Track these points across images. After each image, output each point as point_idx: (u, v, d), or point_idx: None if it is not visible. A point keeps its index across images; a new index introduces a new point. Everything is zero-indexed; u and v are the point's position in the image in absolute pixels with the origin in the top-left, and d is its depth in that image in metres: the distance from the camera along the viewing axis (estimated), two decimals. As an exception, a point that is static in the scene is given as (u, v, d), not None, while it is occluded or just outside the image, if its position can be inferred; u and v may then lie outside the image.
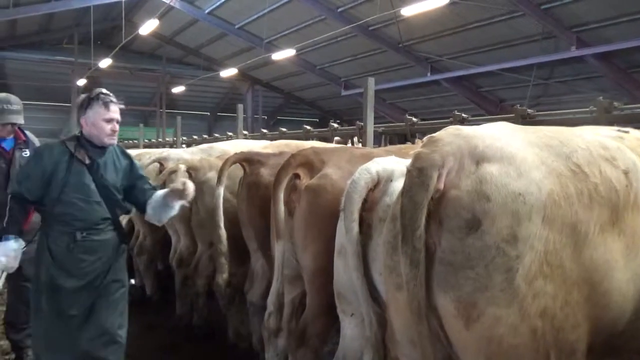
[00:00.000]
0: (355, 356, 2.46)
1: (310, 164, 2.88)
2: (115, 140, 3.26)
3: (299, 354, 2.82)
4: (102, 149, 3.22)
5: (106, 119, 3.14)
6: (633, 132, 1.97)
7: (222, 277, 4.01)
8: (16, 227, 3.17)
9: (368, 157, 2.87)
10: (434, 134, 1.79)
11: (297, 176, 2.88)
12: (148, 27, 18.19)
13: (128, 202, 3.45)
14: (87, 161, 3.18)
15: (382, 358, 2.12)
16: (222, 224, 3.77)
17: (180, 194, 3.23)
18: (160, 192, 3.36)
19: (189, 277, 4.82)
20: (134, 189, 3.39)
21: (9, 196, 3.19)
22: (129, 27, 21.14)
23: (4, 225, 3.16)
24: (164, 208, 3.32)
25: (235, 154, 3.77)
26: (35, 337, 3.30)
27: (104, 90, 3.23)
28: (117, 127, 3.21)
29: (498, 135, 1.76)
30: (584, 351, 1.66)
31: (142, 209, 3.42)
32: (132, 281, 3.42)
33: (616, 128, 1.97)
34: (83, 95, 3.27)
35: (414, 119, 6.74)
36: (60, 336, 3.15)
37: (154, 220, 3.44)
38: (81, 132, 3.22)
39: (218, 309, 4.55)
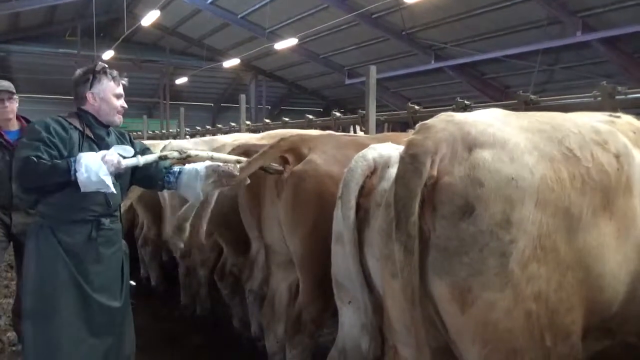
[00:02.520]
0: (354, 344, 2.46)
1: (297, 150, 2.91)
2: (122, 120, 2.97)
3: (296, 340, 2.85)
4: (107, 127, 2.90)
5: (116, 94, 2.87)
6: (624, 116, 1.97)
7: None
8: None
9: (354, 144, 2.91)
10: (426, 121, 1.79)
11: (285, 161, 2.91)
12: (150, 18, 18.16)
13: (142, 184, 3.11)
14: (97, 140, 2.83)
15: (379, 345, 2.14)
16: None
17: (228, 176, 2.79)
18: (193, 168, 2.86)
19: (192, 268, 4.86)
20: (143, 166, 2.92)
21: (24, 161, 2.54)
22: (131, 19, 21.11)
23: (53, 164, 2.55)
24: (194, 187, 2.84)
25: (234, 148, 3.79)
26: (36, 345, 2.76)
27: (106, 64, 2.92)
28: (125, 105, 2.93)
29: (490, 122, 1.77)
30: (579, 334, 1.67)
31: (161, 187, 3.01)
32: (132, 282, 3.07)
33: (608, 113, 1.97)
34: (84, 69, 2.90)
35: (417, 107, 6.72)
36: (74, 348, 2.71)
37: (191, 196, 2.95)
38: (80, 108, 2.85)
39: (222, 298, 4.60)
